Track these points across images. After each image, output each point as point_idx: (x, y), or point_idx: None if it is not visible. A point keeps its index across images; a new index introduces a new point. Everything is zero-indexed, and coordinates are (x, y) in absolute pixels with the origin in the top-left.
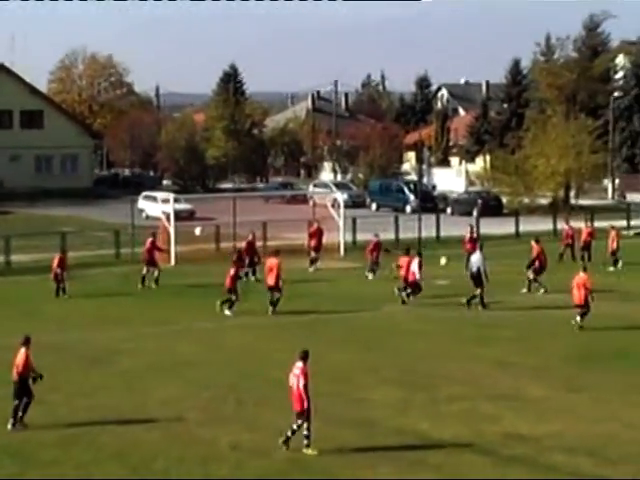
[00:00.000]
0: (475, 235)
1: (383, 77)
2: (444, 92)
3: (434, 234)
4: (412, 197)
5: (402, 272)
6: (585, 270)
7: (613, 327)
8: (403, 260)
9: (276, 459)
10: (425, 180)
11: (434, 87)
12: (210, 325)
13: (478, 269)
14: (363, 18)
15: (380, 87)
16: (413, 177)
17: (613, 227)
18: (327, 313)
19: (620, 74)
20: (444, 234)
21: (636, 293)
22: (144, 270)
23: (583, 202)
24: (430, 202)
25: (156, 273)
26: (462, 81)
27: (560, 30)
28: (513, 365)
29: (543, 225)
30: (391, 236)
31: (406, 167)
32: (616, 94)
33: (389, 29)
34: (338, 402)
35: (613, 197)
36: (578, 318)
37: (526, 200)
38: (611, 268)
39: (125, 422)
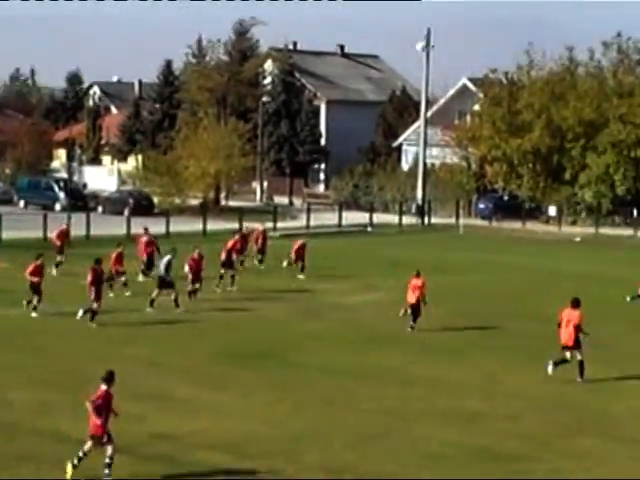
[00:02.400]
0: (152, 238)
1: (33, 71)
2: (96, 89)
3: (84, 232)
4: (62, 195)
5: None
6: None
7: (259, 327)
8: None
9: None
10: (76, 178)
11: (86, 84)
12: None
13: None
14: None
15: (30, 81)
16: (63, 175)
17: (264, 228)
18: None
19: (268, 79)
20: (95, 233)
21: (283, 293)
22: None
23: (233, 203)
24: (80, 200)
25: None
26: (115, 79)
27: (211, 33)
28: (160, 364)
29: (193, 225)
30: (39, 234)
31: (56, 164)
32: (265, 99)
33: (37, 22)
34: None
35: (261, 199)
36: None
37: (177, 200)
38: (261, 267)
39: None
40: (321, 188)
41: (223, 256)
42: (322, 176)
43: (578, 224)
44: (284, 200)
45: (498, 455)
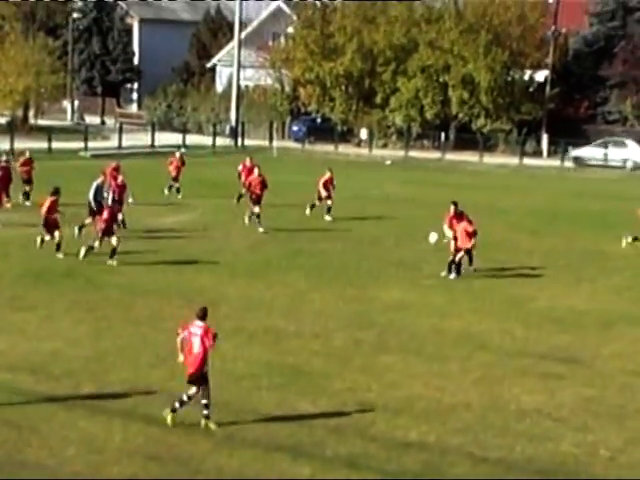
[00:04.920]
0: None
1: None
2: None
3: None
4: None
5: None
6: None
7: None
8: None
9: None
10: None
11: None
12: None
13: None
14: None
15: None
16: None
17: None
18: None
19: None
20: None
21: None
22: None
23: (42, 122)
24: None
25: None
26: None
27: None
28: None
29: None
30: None
31: None
32: (75, 15)
33: None
34: None
35: (72, 118)
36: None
37: None
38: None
39: None
40: (134, 108)
41: None
42: (135, 96)
43: (389, 147)
44: (96, 120)
45: (302, 373)
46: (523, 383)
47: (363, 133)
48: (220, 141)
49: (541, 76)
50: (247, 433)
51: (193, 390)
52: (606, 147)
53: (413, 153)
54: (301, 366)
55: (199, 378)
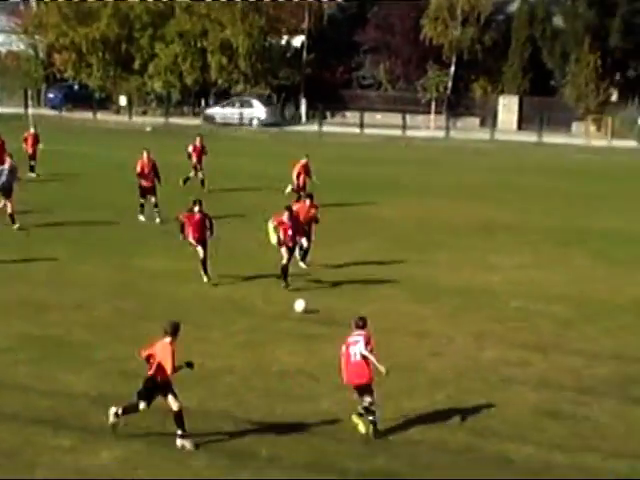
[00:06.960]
0: None
1: None
2: None
3: None
4: None
5: None
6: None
7: None
8: None
9: None
10: None
11: None
12: None
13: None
14: None
15: None
16: None
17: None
18: None
19: None
20: None
21: None
22: None
23: None
24: None
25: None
26: None
27: None
28: None
29: None
30: None
31: None
32: None
33: None
34: None
35: None
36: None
37: None
38: None
39: None
40: None
41: None
42: None
43: (148, 114)
44: None
45: (64, 344)
46: (285, 345)
47: (122, 100)
48: None
49: (298, 42)
50: (5, 408)
51: (369, 398)
52: (234, 106)
53: (173, 120)
54: (62, 337)
55: (368, 385)
